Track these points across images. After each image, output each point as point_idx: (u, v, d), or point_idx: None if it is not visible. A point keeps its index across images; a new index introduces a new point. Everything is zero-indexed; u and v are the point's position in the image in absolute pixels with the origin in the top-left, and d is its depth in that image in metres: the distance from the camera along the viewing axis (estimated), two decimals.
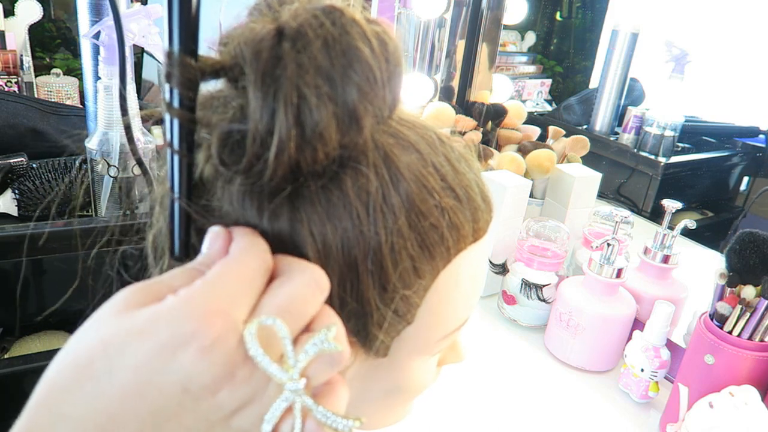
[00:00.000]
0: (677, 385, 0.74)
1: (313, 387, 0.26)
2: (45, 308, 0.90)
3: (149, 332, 0.24)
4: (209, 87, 0.31)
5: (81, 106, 1.21)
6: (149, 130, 0.88)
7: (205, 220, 0.30)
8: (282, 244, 0.29)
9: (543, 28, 1.87)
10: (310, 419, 0.26)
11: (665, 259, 0.89)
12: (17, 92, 1.26)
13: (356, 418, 0.26)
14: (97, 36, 0.82)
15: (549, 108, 1.76)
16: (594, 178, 1.07)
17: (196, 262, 0.28)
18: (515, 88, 1.65)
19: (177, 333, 0.24)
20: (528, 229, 0.96)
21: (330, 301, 0.31)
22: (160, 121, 0.29)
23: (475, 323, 0.99)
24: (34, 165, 0.97)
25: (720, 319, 0.70)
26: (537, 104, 1.75)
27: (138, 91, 0.94)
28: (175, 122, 0.27)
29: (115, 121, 0.84)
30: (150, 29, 0.83)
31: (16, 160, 0.96)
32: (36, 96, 1.31)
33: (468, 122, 1.21)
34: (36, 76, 1.36)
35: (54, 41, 1.61)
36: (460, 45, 1.42)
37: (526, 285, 0.94)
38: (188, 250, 0.30)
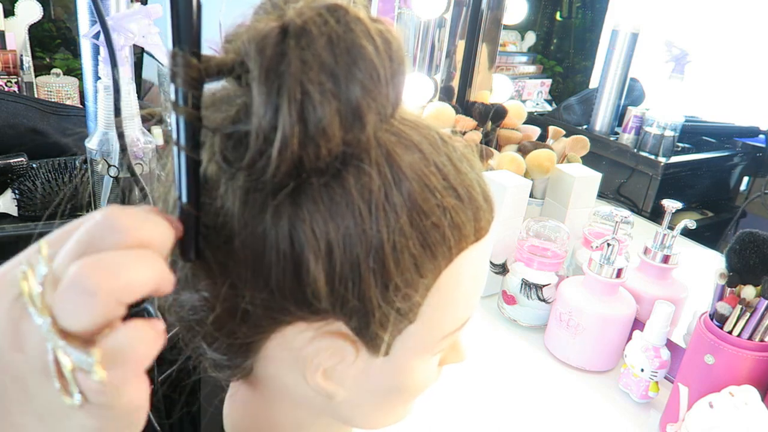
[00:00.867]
0: (677, 385, 0.74)
1: (70, 324, 0.23)
2: None
3: None
4: (213, 85, 0.31)
5: (81, 106, 1.20)
6: (149, 130, 0.88)
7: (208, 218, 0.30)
8: (284, 241, 0.30)
9: (543, 28, 1.87)
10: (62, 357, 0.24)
11: (665, 259, 0.89)
12: (17, 92, 1.26)
13: (91, 354, 0.23)
14: (97, 36, 0.82)
15: (549, 108, 1.76)
16: (594, 178, 1.08)
17: None
18: (515, 88, 1.65)
19: None
20: (528, 229, 0.97)
21: (331, 300, 0.31)
22: (160, 121, 0.29)
23: (475, 323, 0.99)
24: (34, 165, 0.96)
25: (720, 319, 0.70)
26: (537, 104, 1.75)
27: (138, 91, 0.94)
28: (181, 120, 0.27)
29: (122, 119, 0.83)
30: (150, 29, 0.83)
31: (16, 160, 0.96)
32: (36, 96, 1.31)
33: (468, 122, 1.21)
34: (36, 76, 1.36)
35: (54, 41, 1.61)
36: (460, 45, 1.42)
37: (526, 285, 0.94)
38: (198, 251, 0.30)
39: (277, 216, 0.29)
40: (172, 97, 0.27)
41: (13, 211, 0.93)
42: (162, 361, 0.31)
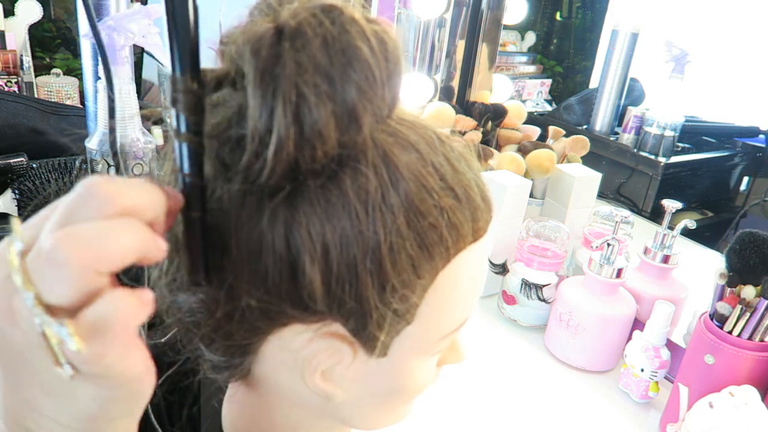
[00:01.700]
0: (677, 385, 0.74)
1: (52, 297, 0.24)
2: None
3: None
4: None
5: (81, 106, 1.20)
6: (149, 130, 0.88)
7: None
8: (281, 243, 0.30)
9: (543, 28, 1.87)
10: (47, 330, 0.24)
11: (665, 259, 0.89)
12: (17, 92, 1.26)
13: (65, 324, 0.23)
14: None
15: (549, 108, 1.76)
16: (594, 178, 1.07)
17: None
18: (515, 88, 1.65)
19: None
20: (528, 229, 0.96)
21: (328, 301, 0.31)
22: (159, 120, 0.29)
23: (475, 323, 0.99)
24: (34, 165, 0.96)
25: (720, 319, 0.70)
26: (537, 104, 1.75)
27: (138, 91, 0.94)
28: (185, 147, 0.27)
29: (115, 121, 0.83)
30: (150, 29, 0.83)
31: (16, 160, 0.96)
32: (36, 96, 1.31)
33: (468, 122, 1.21)
34: (36, 76, 1.36)
35: (54, 41, 1.61)
36: (460, 45, 1.42)
37: (526, 285, 0.94)
38: (207, 272, 0.30)
39: (273, 218, 0.29)
40: (174, 123, 0.27)
41: (13, 211, 0.93)
42: (162, 362, 0.31)
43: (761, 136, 1.37)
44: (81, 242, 0.23)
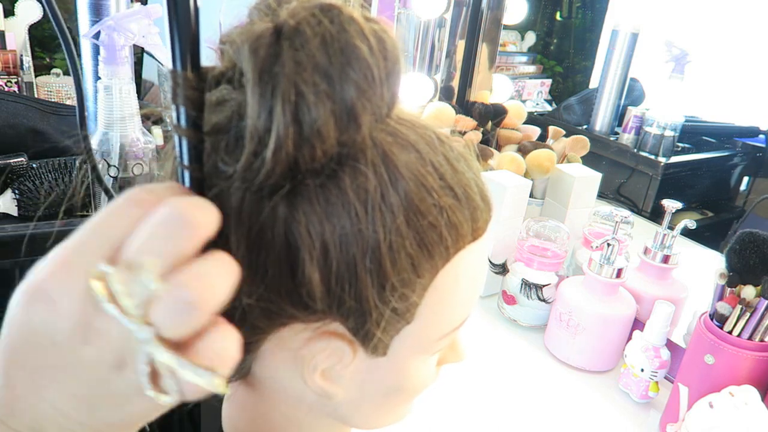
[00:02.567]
0: (677, 385, 0.74)
1: (172, 334, 0.24)
2: None
3: (19, 289, 0.25)
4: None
5: None
6: (149, 130, 0.88)
7: None
8: (280, 243, 0.30)
9: (543, 28, 1.87)
10: (175, 372, 0.24)
11: (665, 259, 0.89)
12: (17, 92, 1.26)
13: (216, 372, 0.24)
14: (97, 36, 0.82)
15: (549, 108, 1.76)
16: (594, 178, 1.07)
17: None
18: (515, 88, 1.65)
19: (28, 287, 0.25)
20: (528, 229, 0.96)
21: (328, 300, 0.31)
22: (159, 120, 0.29)
23: (475, 323, 0.99)
24: (34, 165, 0.96)
25: (720, 319, 0.70)
26: (537, 104, 1.75)
27: (138, 91, 0.94)
28: (184, 142, 0.27)
29: (115, 121, 0.84)
30: (150, 29, 0.83)
31: (16, 160, 0.96)
32: (36, 96, 1.31)
33: (468, 122, 1.21)
34: (36, 76, 1.36)
35: (54, 41, 1.61)
36: (460, 45, 1.42)
37: (526, 285, 0.94)
38: None
39: (272, 217, 0.29)
40: (174, 117, 0.26)
41: (13, 211, 0.93)
42: None
43: (761, 136, 1.37)
44: (206, 283, 0.24)
